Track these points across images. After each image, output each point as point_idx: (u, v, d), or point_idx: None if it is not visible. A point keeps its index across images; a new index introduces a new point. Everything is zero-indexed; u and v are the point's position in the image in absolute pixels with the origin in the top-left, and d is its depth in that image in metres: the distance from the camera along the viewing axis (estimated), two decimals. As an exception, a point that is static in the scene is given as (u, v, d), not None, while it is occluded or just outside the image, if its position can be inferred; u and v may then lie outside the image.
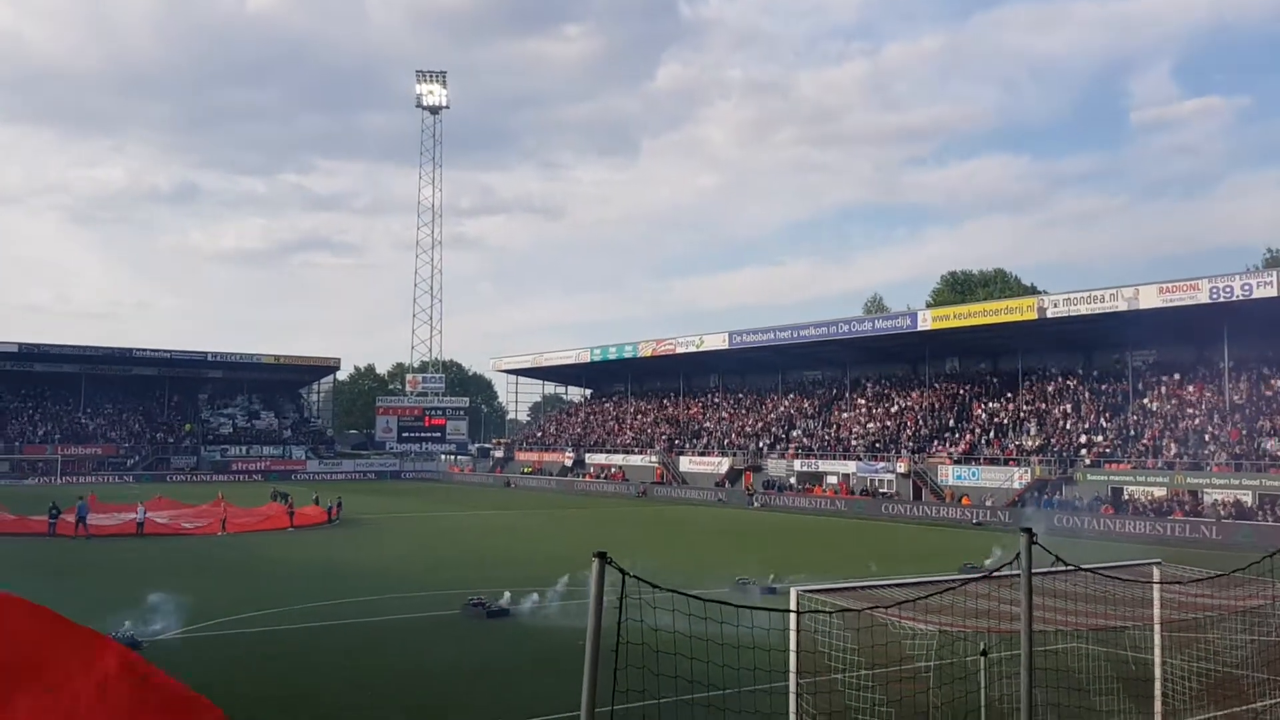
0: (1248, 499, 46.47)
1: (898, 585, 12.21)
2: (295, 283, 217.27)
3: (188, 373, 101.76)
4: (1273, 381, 52.86)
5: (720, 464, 74.53)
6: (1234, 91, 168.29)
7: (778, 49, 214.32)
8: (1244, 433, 50.35)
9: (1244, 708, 14.87)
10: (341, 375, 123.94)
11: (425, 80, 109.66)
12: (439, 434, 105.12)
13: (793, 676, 11.05)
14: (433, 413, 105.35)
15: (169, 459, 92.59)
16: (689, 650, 7.04)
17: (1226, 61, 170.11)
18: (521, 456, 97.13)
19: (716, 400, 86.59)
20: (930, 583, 12.65)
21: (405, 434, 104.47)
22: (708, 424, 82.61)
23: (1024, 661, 7.18)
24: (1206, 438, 51.46)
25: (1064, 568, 8.93)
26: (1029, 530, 7.20)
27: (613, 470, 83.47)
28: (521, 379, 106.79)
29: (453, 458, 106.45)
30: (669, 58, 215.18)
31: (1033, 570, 7.47)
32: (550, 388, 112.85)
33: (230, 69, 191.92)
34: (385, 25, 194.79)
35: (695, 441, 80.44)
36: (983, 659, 11.57)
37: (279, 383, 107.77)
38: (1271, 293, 46.94)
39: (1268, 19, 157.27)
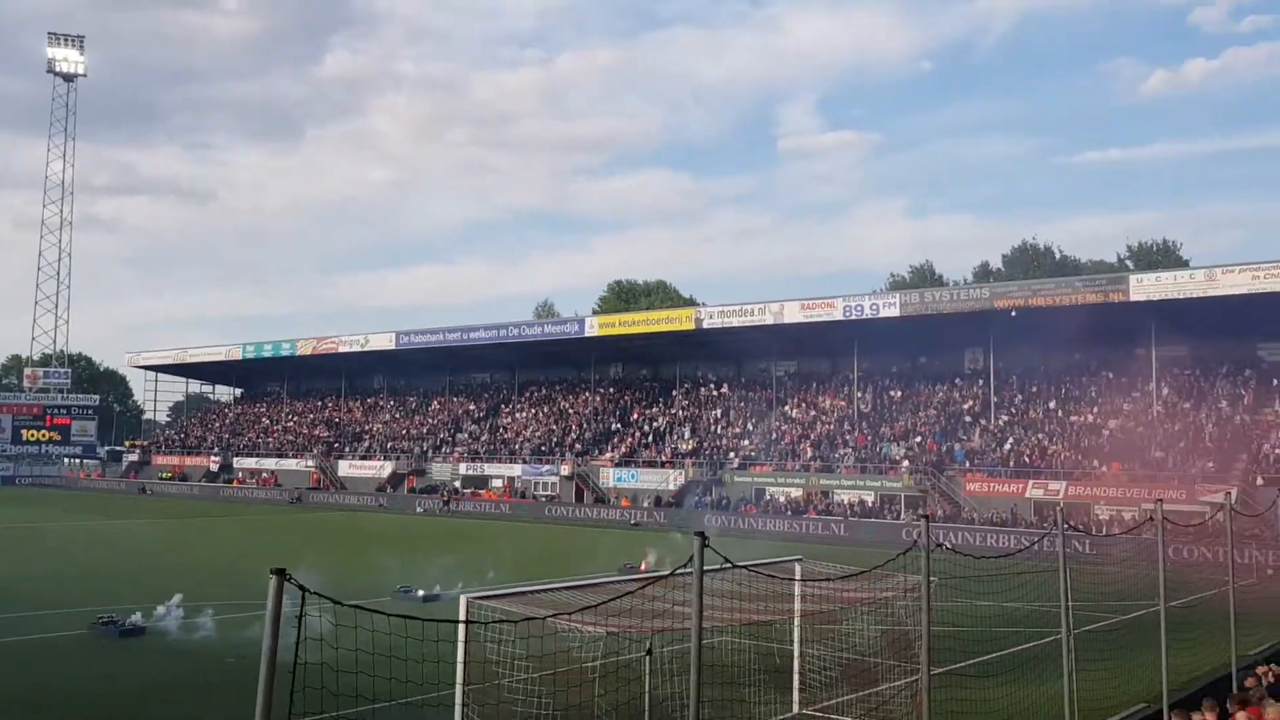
0: (870, 498, 51.40)
1: (567, 588, 12.20)
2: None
3: None
4: (893, 393, 58.90)
5: (383, 468, 72.57)
6: (868, 128, 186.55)
7: (452, 47, 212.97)
8: (869, 438, 55.69)
9: (872, 690, 16.21)
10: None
11: (59, 44, 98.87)
12: (63, 435, 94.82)
13: (459, 687, 10.73)
14: (55, 411, 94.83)
15: None
16: (353, 665, 6.54)
17: (863, 99, 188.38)
18: (160, 461, 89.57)
19: (381, 402, 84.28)
20: (598, 584, 12.76)
21: (22, 435, 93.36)
22: (370, 427, 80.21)
23: (693, 660, 7.29)
24: (837, 443, 56.43)
25: (720, 566, 9.24)
26: (702, 534, 7.35)
27: (264, 475, 78.97)
28: (162, 376, 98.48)
29: (79, 462, 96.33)
30: (337, 44, 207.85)
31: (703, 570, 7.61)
32: (196, 386, 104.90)
33: None
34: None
35: (356, 445, 77.84)
36: (647, 658, 11.78)
37: None
38: (895, 313, 52.41)
39: (899, 63, 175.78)
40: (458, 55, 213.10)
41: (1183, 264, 69.07)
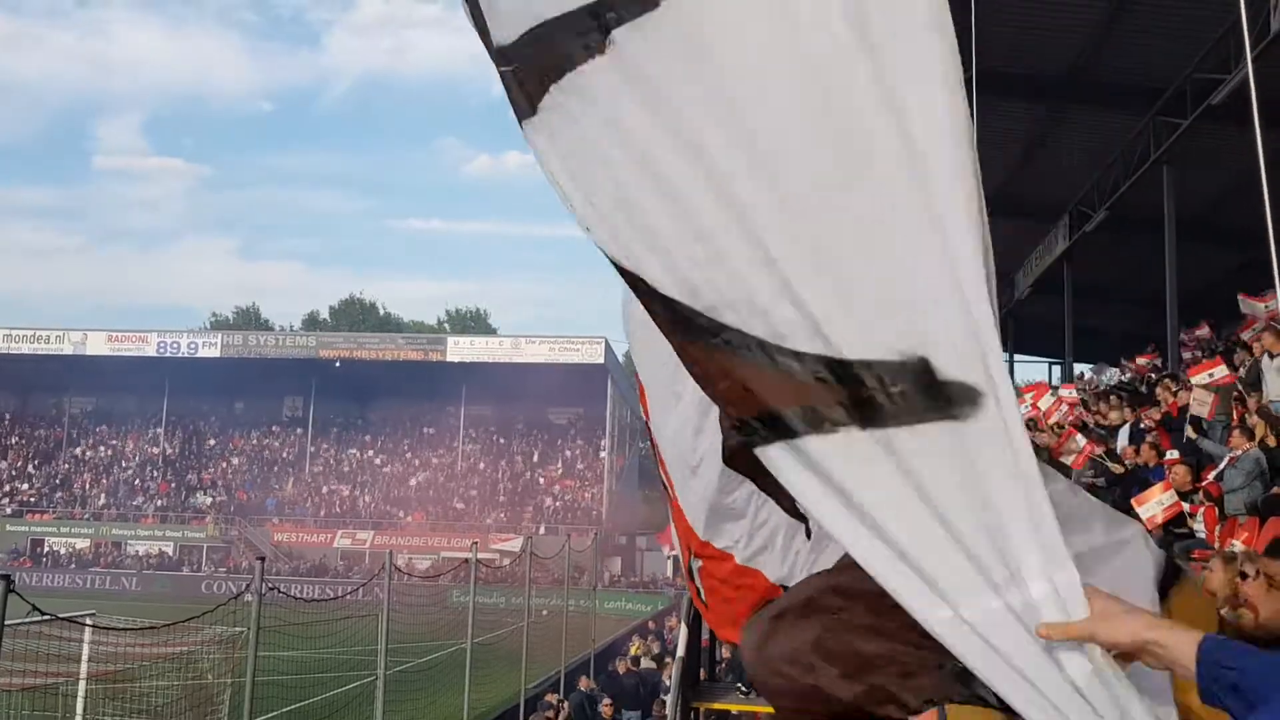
0: (170, 550, 47.84)
1: None
2: None
3: None
4: (206, 438, 55.83)
5: None
6: (198, 159, 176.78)
7: None
8: (173, 485, 52.04)
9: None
10: None
11: None
12: None
13: None
14: None
15: None
16: None
17: (195, 129, 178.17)
18: None
19: None
20: None
21: None
22: None
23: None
24: (136, 489, 51.89)
25: (26, 619, 7.80)
26: (7, 578, 6.13)
27: None
28: None
29: None
30: None
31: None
32: None
33: None
34: None
35: None
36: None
37: None
38: (215, 354, 50.13)
39: (238, 99, 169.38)
40: None
41: (492, 331, 75.66)
